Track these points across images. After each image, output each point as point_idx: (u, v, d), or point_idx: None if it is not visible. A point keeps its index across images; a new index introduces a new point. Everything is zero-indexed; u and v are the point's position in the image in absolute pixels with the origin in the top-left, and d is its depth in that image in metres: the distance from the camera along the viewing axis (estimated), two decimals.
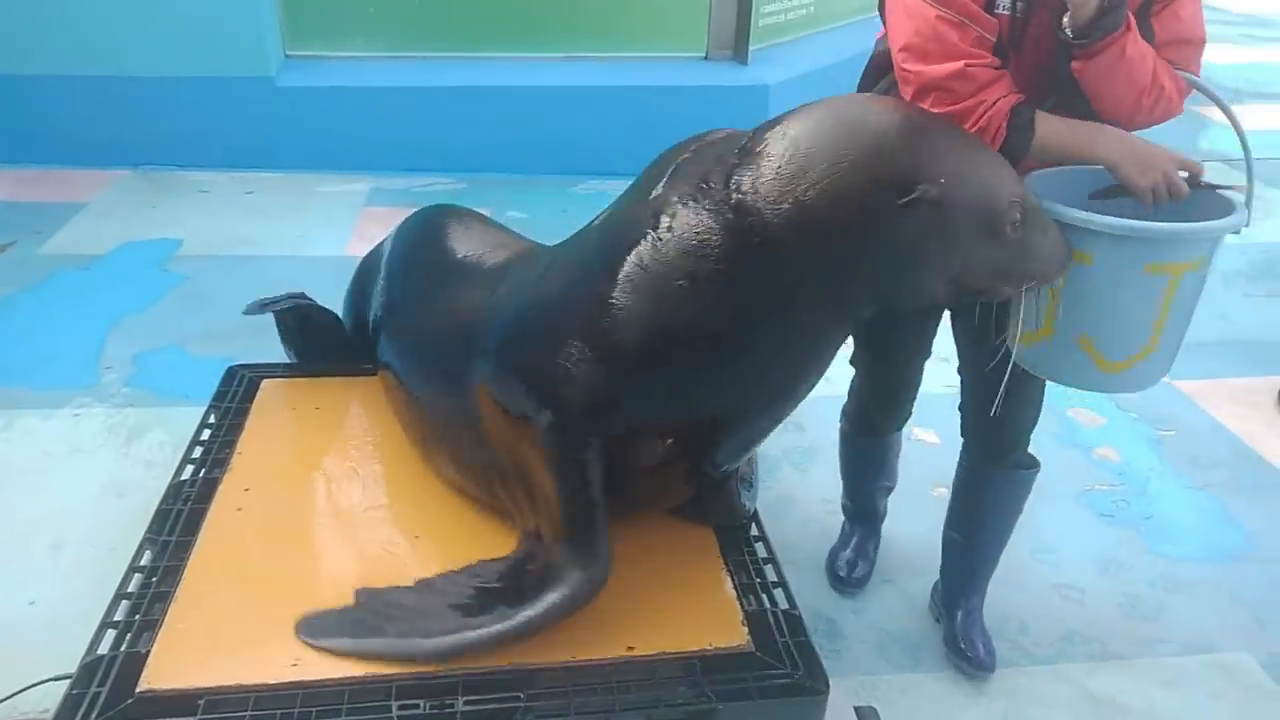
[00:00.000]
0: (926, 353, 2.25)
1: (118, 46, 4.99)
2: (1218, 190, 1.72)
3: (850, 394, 2.42)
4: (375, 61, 5.47)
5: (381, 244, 2.55)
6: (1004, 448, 2.15)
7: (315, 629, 1.65)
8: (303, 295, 2.54)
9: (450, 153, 5.37)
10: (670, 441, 1.72)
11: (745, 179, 1.59)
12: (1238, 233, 1.66)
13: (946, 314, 2.09)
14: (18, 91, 5.02)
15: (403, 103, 5.27)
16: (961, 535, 2.31)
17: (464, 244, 2.21)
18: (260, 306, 2.47)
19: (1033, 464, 2.18)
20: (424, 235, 2.35)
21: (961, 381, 2.17)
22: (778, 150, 1.59)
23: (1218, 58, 8.17)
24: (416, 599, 1.72)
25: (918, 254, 1.56)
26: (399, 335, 2.20)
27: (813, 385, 1.75)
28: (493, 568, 1.78)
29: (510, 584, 1.72)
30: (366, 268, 2.53)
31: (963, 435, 2.23)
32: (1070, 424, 3.24)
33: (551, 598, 1.64)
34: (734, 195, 1.59)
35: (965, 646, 2.29)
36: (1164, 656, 2.32)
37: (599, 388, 1.65)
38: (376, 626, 1.65)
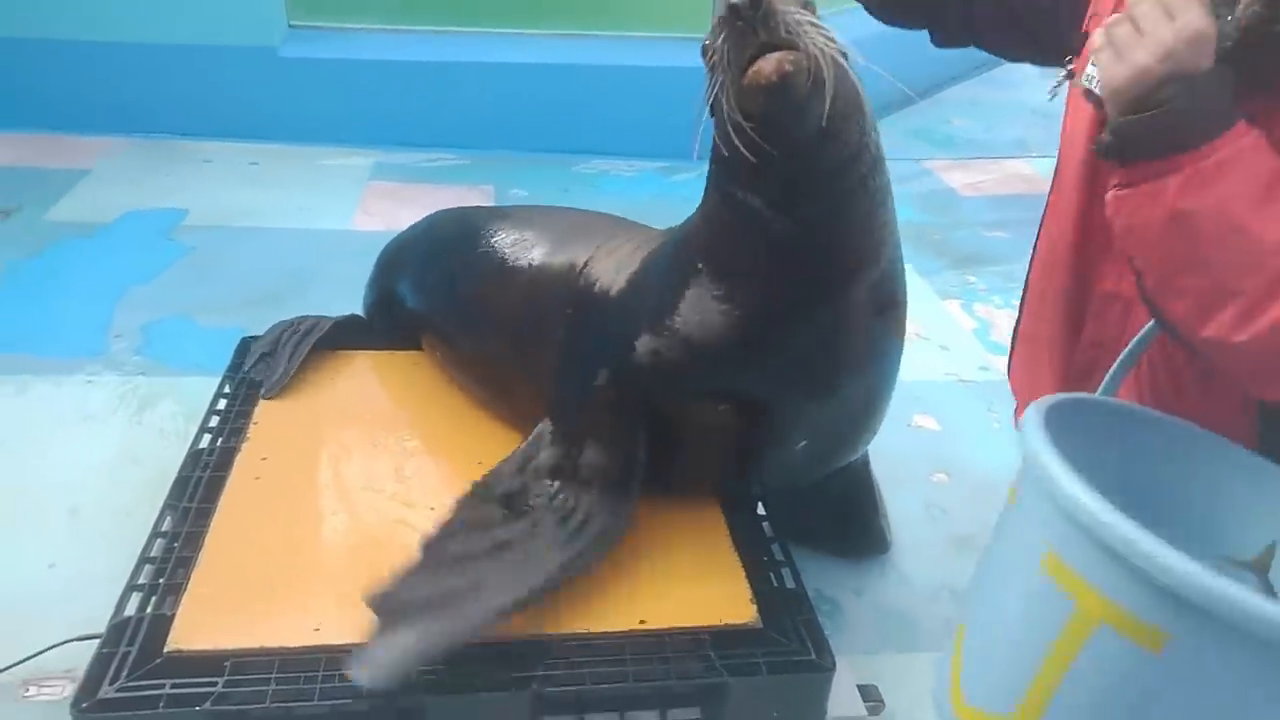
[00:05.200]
0: None
1: (120, 12, 4.96)
2: None
3: None
4: (379, 34, 5.46)
5: (425, 228, 2.68)
6: None
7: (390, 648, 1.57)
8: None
9: (454, 129, 5.36)
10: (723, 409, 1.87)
11: None
12: None
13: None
14: (20, 55, 4.98)
15: (407, 77, 5.26)
16: None
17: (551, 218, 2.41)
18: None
19: None
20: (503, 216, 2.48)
21: None
22: None
23: None
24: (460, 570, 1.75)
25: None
26: (482, 301, 2.32)
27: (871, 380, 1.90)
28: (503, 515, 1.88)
29: (542, 527, 1.84)
30: (417, 246, 2.66)
31: None
32: None
33: (592, 530, 1.81)
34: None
35: None
36: None
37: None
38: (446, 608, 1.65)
